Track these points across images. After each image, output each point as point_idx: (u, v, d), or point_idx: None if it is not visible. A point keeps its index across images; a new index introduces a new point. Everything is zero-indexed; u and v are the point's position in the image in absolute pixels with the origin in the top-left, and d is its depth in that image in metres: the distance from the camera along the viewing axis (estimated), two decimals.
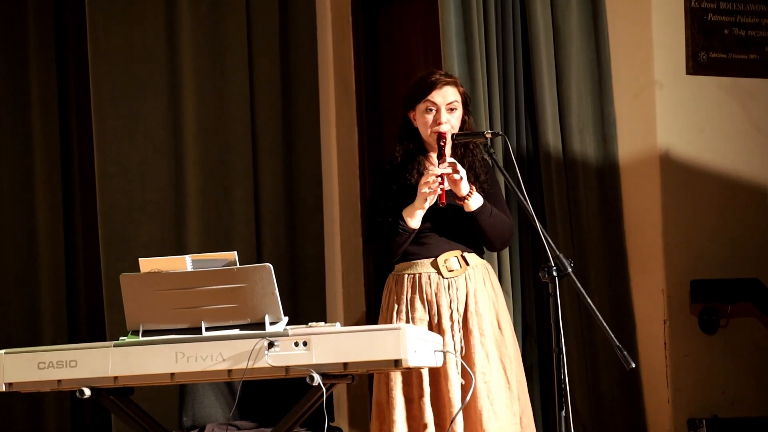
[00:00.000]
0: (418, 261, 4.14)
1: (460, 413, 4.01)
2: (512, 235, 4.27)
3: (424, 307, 4.12)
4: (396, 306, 4.14)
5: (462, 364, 4.04)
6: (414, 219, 4.07)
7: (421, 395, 4.06)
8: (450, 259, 4.13)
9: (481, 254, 4.22)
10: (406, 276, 4.15)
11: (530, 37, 5.25)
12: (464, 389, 4.05)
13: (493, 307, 4.15)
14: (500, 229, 4.15)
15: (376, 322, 4.28)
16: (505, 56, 5.27)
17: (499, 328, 4.15)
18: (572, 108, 5.26)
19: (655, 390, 5.20)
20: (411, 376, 4.07)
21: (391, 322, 4.12)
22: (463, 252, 4.15)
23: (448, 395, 4.04)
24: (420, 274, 4.14)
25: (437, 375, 4.07)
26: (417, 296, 4.12)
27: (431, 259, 4.14)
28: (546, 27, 5.26)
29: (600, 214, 5.26)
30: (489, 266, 4.23)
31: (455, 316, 4.10)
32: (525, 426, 4.14)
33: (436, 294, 4.12)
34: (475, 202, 4.08)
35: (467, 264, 4.14)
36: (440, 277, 4.13)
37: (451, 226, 4.14)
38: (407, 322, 4.09)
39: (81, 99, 6.21)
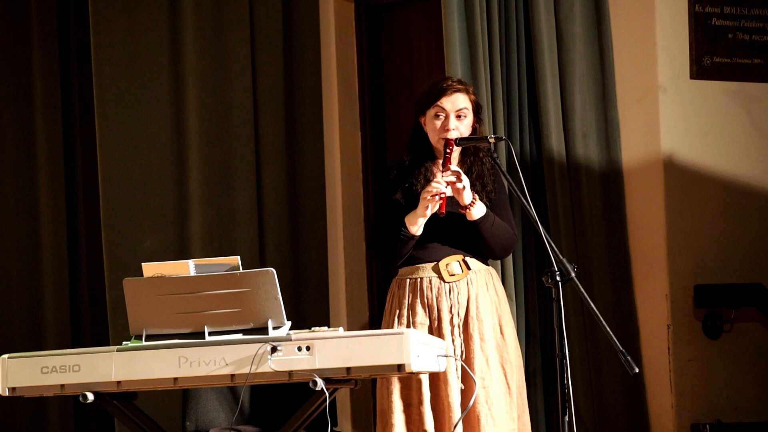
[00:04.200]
0: (420, 265, 4.15)
1: (460, 419, 4.01)
2: (514, 245, 4.27)
3: (425, 311, 4.12)
4: (398, 310, 4.15)
5: (464, 368, 4.03)
6: (415, 225, 4.07)
7: (421, 400, 4.06)
8: (452, 263, 4.14)
9: (484, 260, 4.22)
10: (408, 280, 4.16)
11: (533, 42, 5.25)
12: (464, 394, 4.05)
13: (495, 312, 4.15)
14: (502, 238, 4.15)
15: (380, 327, 4.28)
16: (509, 61, 5.27)
17: (502, 333, 4.15)
18: (576, 112, 5.26)
19: (659, 395, 5.20)
20: (410, 381, 4.07)
21: (392, 326, 4.13)
22: (465, 257, 4.15)
23: (448, 400, 4.04)
24: (421, 278, 4.14)
25: (437, 379, 4.07)
26: (418, 300, 4.13)
27: (433, 264, 4.14)
28: (549, 31, 5.25)
29: (603, 218, 5.26)
30: (493, 271, 4.23)
31: (456, 321, 4.10)
32: None
33: (436, 298, 4.12)
34: (477, 211, 4.09)
35: (469, 269, 4.14)
36: (441, 281, 4.13)
37: (454, 232, 4.14)
38: (408, 326, 4.10)
39: (84, 104, 6.21)
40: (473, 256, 4.17)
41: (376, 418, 4.19)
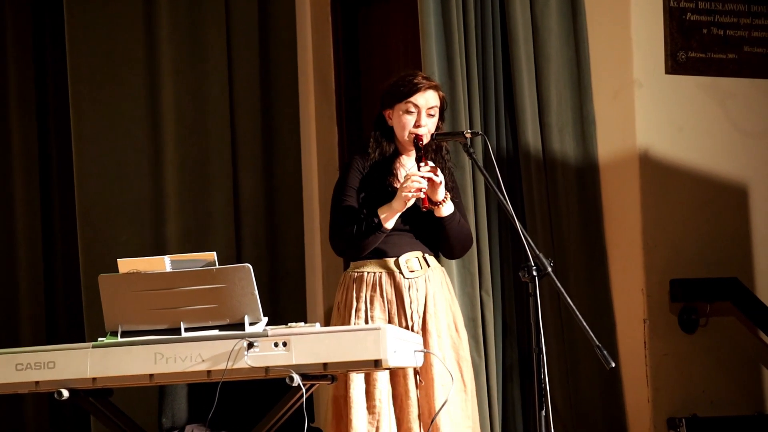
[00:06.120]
0: (380, 260, 4.14)
1: (416, 415, 4.01)
2: (472, 245, 4.29)
3: (383, 306, 4.11)
4: (355, 304, 4.12)
5: (433, 363, 4.03)
6: (390, 219, 4.06)
7: (380, 394, 4.05)
8: (411, 259, 4.13)
9: (438, 258, 4.23)
10: (365, 274, 4.14)
11: (509, 37, 5.26)
12: (422, 389, 4.05)
13: (450, 310, 4.16)
14: (464, 237, 4.18)
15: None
16: (485, 56, 5.27)
17: (456, 330, 4.16)
18: (552, 107, 5.27)
19: (635, 389, 5.21)
20: (369, 374, 4.06)
21: (348, 320, 4.11)
22: (424, 254, 4.15)
23: (407, 395, 4.04)
24: (381, 273, 4.13)
25: (395, 374, 4.06)
26: (377, 295, 4.11)
27: (393, 259, 4.13)
28: (525, 26, 5.26)
29: (579, 213, 5.27)
30: (445, 270, 4.24)
31: (414, 317, 4.10)
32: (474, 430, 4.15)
33: (396, 294, 4.11)
34: (447, 208, 4.10)
35: (428, 266, 4.15)
36: (401, 277, 4.12)
37: (415, 228, 4.14)
38: (366, 321, 4.09)
39: (59, 99, 6.17)
40: (431, 252, 4.18)
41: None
